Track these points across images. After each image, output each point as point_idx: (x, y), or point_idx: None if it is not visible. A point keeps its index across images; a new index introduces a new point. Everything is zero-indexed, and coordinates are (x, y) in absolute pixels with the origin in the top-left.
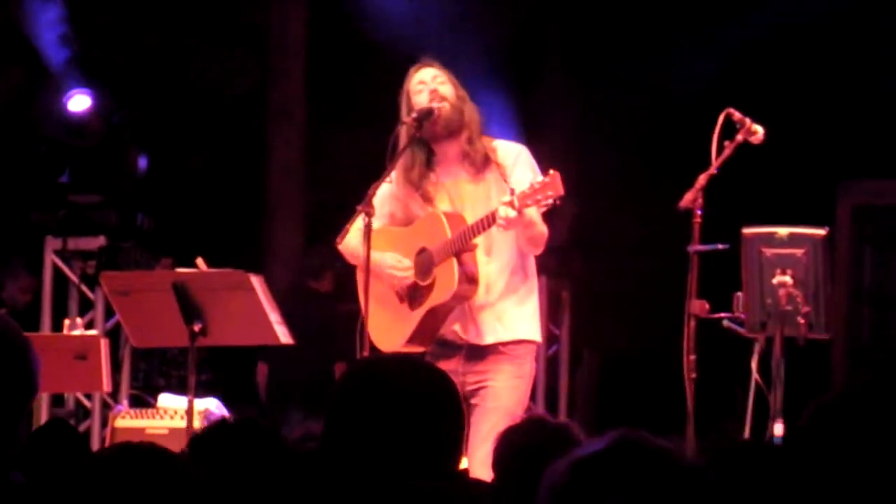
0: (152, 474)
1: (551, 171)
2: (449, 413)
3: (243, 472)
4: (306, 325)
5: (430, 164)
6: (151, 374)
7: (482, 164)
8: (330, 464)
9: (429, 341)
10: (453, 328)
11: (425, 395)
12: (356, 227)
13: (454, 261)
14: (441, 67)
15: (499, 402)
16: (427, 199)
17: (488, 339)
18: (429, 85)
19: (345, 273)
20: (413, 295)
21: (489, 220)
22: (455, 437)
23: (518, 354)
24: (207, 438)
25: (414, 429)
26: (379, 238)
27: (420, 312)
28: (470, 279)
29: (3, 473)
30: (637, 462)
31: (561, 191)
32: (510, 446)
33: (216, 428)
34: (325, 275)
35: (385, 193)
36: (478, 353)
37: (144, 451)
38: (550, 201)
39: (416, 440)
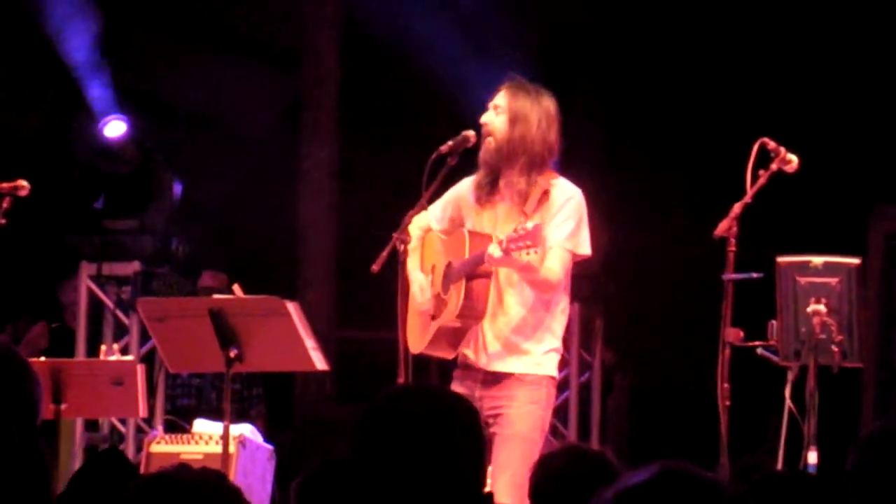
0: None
1: (535, 223)
2: (471, 438)
3: None
4: None
5: (493, 184)
6: (203, 388)
7: (528, 197)
8: (357, 494)
9: (448, 351)
10: (465, 351)
11: (447, 423)
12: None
13: (463, 284)
14: (513, 88)
15: (513, 429)
16: (479, 219)
17: (496, 368)
18: (489, 114)
19: None
20: (436, 306)
21: (481, 257)
22: (478, 461)
23: (532, 381)
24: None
25: (437, 456)
26: (428, 244)
27: (435, 325)
28: (476, 304)
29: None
30: (682, 493)
31: (538, 243)
32: (547, 473)
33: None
34: None
35: (453, 195)
36: (493, 378)
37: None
38: (528, 251)
39: (440, 467)
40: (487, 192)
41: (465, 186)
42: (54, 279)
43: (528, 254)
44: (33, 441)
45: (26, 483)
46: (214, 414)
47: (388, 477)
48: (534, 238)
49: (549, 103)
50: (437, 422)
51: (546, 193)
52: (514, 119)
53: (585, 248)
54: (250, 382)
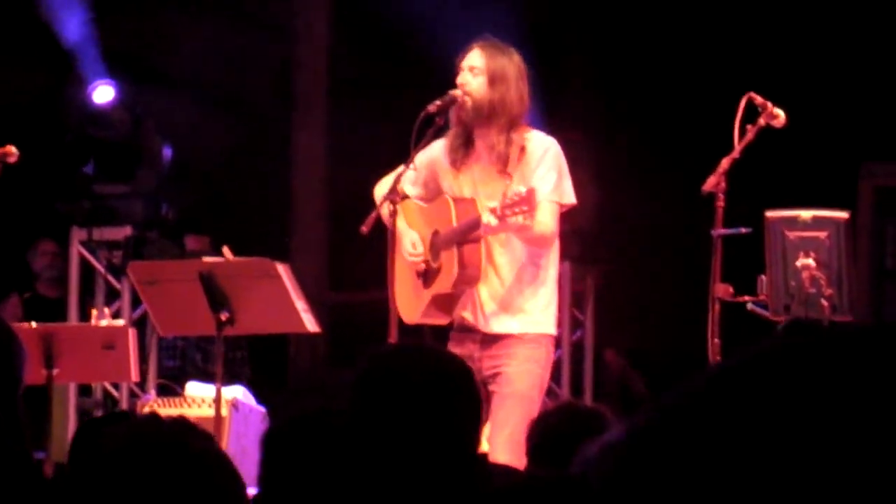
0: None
1: (528, 187)
2: (465, 398)
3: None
4: None
5: (467, 145)
6: (188, 350)
7: (507, 158)
8: (353, 453)
9: (444, 316)
10: (463, 314)
11: (441, 382)
12: (386, 184)
13: (455, 251)
14: (489, 49)
15: (513, 387)
16: (456, 179)
17: (496, 329)
18: (463, 73)
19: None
20: (426, 274)
21: (475, 224)
22: (472, 421)
23: (531, 339)
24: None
25: (431, 415)
26: (406, 210)
27: (430, 293)
28: (470, 270)
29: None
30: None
31: (534, 207)
32: (543, 432)
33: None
34: None
35: (425, 159)
36: (491, 338)
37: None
38: (522, 216)
39: (434, 427)
40: (462, 155)
41: (437, 150)
42: (25, 246)
43: (523, 218)
44: (14, 410)
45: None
46: (200, 376)
47: (383, 436)
48: (529, 203)
49: (519, 59)
50: (432, 381)
51: (523, 150)
52: (493, 80)
53: (570, 197)
54: (234, 345)
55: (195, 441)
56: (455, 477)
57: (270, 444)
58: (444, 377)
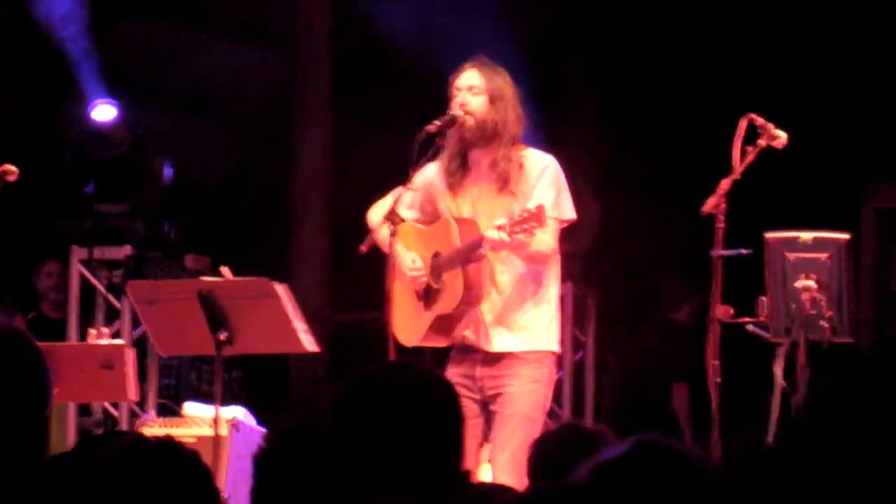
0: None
1: (537, 204)
2: (446, 417)
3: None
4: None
5: (463, 166)
6: (182, 369)
7: (508, 176)
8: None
9: (444, 339)
10: (465, 333)
11: (422, 400)
12: (382, 209)
13: (460, 271)
14: (486, 70)
15: (515, 407)
16: (454, 200)
17: (498, 348)
18: (462, 93)
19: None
20: (427, 296)
21: (478, 243)
22: (454, 440)
23: (534, 359)
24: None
25: (413, 433)
26: (403, 234)
27: (431, 315)
28: (475, 290)
29: (21, 482)
30: (658, 466)
31: (543, 224)
32: (545, 452)
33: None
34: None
35: (420, 182)
36: (493, 358)
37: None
38: (530, 232)
39: (416, 445)
40: (460, 177)
41: (432, 173)
42: (27, 265)
43: (531, 234)
44: (42, 430)
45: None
46: (195, 395)
47: (365, 454)
48: (539, 219)
49: (510, 79)
50: (413, 400)
51: (521, 167)
52: (493, 99)
53: (570, 213)
54: (230, 365)
55: (178, 458)
56: (438, 495)
57: (263, 464)
58: (426, 395)
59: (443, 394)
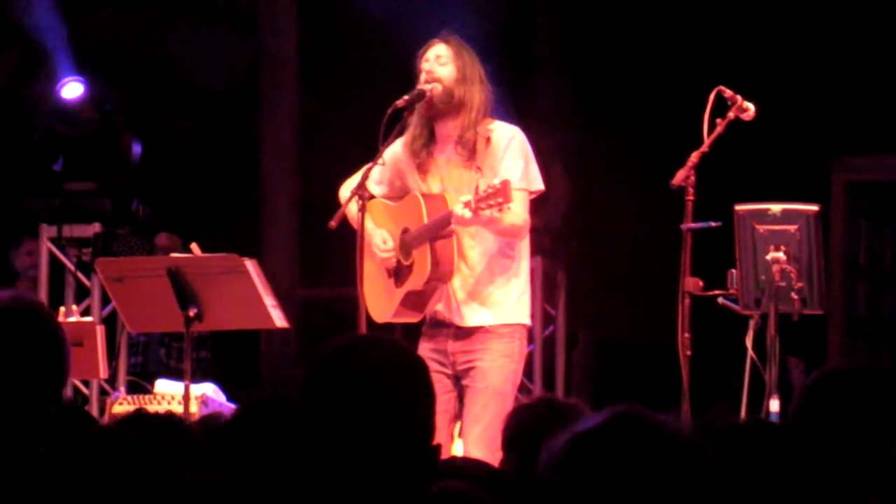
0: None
1: (502, 179)
2: (417, 390)
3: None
4: None
5: (430, 140)
6: (151, 346)
7: (475, 149)
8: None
9: (415, 314)
10: (437, 308)
11: (391, 374)
12: (352, 185)
13: (428, 247)
14: (454, 44)
15: (486, 381)
16: (422, 175)
17: (470, 323)
18: (430, 64)
19: None
20: (398, 272)
21: (447, 219)
22: (424, 414)
23: (505, 333)
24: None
25: (383, 407)
26: (373, 210)
27: (402, 291)
28: (443, 266)
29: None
30: (635, 435)
31: (509, 199)
32: (519, 426)
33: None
34: None
35: (389, 158)
36: (465, 332)
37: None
38: (497, 208)
39: (386, 418)
40: (426, 151)
41: (398, 149)
42: (7, 245)
43: (498, 210)
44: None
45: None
46: (164, 372)
47: (335, 428)
48: (504, 194)
49: (476, 56)
50: (383, 372)
51: (488, 140)
52: (461, 72)
53: (538, 184)
54: (199, 345)
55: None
56: (409, 470)
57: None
58: (397, 367)
59: (413, 366)
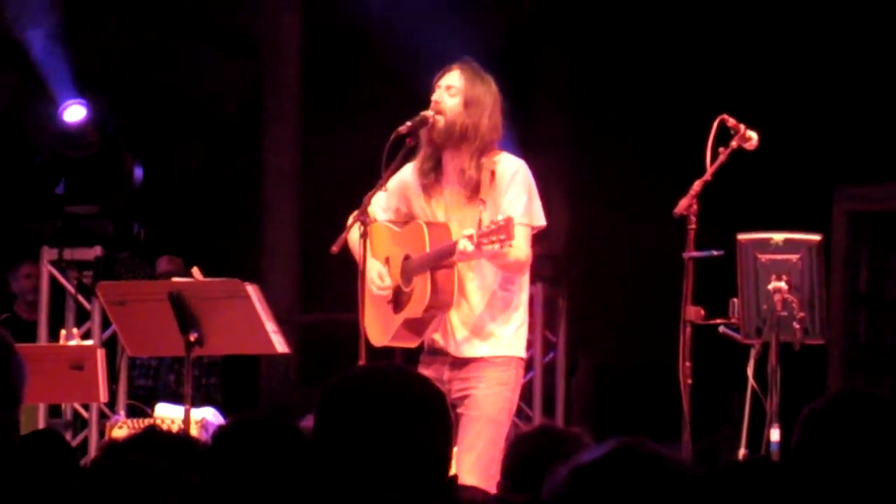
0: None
1: (506, 216)
2: (436, 421)
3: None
4: None
5: (437, 166)
6: (161, 370)
7: (479, 186)
8: (319, 475)
9: (414, 338)
10: (434, 336)
11: (411, 404)
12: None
13: (428, 277)
14: (468, 73)
15: (481, 410)
16: (427, 199)
17: (466, 354)
18: (439, 93)
19: None
20: (397, 298)
21: (450, 251)
22: (443, 445)
23: (501, 363)
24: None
25: (401, 438)
26: (376, 234)
27: (400, 318)
28: (443, 295)
29: None
30: (637, 469)
31: (512, 236)
32: (520, 454)
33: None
34: None
35: (395, 184)
36: (461, 362)
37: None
38: (499, 245)
39: (404, 449)
40: (433, 179)
41: (408, 174)
42: (7, 268)
43: (500, 246)
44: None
45: None
46: (172, 397)
47: (350, 458)
48: (507, 231)
49: (496, 88)
50: (403, 403)
51: (493, 174)
52: (469, 104)
53: (540, 219)
54: (209, 371)
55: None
56: (426, 500)
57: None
58: (416, 398)
59: (432, 397)
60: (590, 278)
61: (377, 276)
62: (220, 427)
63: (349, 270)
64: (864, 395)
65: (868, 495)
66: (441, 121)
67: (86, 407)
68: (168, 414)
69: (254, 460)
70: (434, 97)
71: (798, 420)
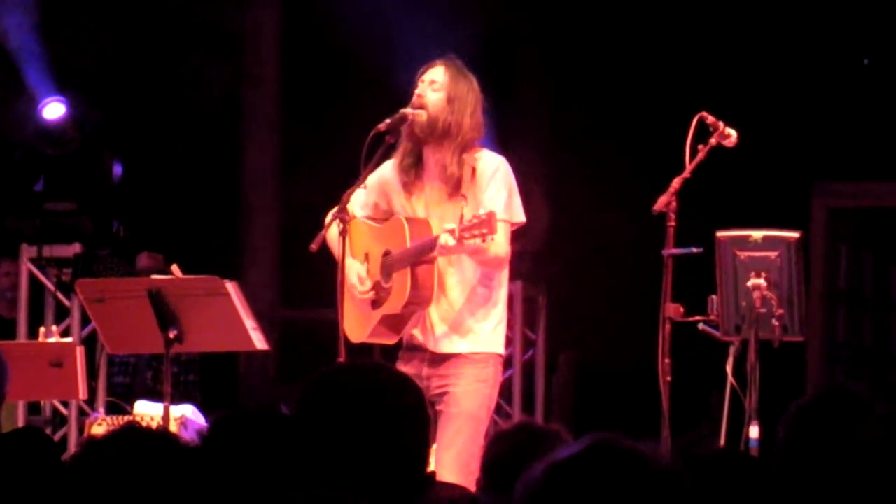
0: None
1: (488, 210)
2: (414, 419)
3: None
4: None
5: (418, 162)
6: (139, 367)
7: (460, 182)
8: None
9: (392, 335)
10: (413, 332)
11: (390, 401)
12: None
13: (409, 272)
14: (452, 69)
15: (459, 407)
16: (407, 195)
17: (444, 349)
18: (423, 87)
19: None
20: (376, 295)
21: (431, 246)
22: (421, 442)
23: (480, 360)
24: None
25: (378, 435)
26: (355, 230)
27: (379, 314)
28: (423, 291)
29: None
30: (612, 465)
31: (494, 230)
32: (499, 451)
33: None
34: None
35: (375, 181)
36: (440, 358)
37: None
38: (481, 239)
39: (381, 447)
40: (414, 176)
41: (388, 170)
42: None
43: (482, 241)
44: None
45: None
46: (149, 394)
47: (329, 454)
48: (490, 226)
49: (477, 87)
50: (381, 399)
51: (474, 171)
52: (452, 101)
53: (520, 216)
54: (187, 368)
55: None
56: (404, 496)
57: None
58: (394, 395)
59: (410, 393)
60: (569, 275)
61: (357, 280)
62: (215, 419)
63: (328, 268)
64: (850, 392)
65: (855, 492)
66: (423, 115)
67: (65, 404)
68: (147, 411)
69: (250, 453)
70: (417, 91)
71: (784, 416)
